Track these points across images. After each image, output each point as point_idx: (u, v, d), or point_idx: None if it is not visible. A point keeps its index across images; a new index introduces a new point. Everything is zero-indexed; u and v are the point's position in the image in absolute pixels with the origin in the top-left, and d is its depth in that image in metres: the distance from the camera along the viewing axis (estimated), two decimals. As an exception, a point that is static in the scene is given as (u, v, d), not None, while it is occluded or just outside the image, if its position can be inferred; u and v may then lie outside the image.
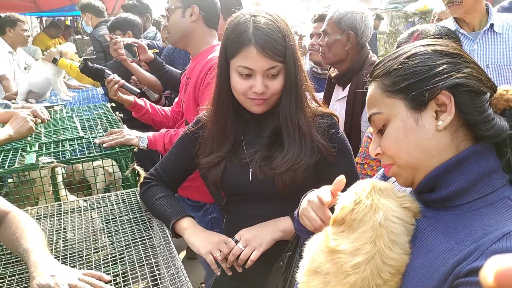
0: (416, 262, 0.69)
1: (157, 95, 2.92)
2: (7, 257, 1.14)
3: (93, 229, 1.30)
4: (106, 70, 2.04)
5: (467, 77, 0.70)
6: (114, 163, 1.75)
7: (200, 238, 1.20)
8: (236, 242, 1.16)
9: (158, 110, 2.08)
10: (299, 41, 3.97)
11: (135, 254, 1.14)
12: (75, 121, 2.08)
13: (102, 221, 1.34)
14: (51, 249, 1.16)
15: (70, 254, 1.16)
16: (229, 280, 1.35)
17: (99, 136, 1.77)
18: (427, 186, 0.74)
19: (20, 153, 1.62)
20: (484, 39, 2.07)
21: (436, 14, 3.75)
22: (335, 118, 1.24)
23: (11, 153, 1.62)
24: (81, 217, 1.37)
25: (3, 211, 1.13)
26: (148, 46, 2.82)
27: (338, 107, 2.12)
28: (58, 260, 1.04)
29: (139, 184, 1.45)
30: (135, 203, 1.44)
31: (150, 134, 1.75)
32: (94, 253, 1.18)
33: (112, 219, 1.34)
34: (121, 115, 2.18)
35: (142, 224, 1.31)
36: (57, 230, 1.29)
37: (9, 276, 1.06)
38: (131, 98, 1.99)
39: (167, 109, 2.14)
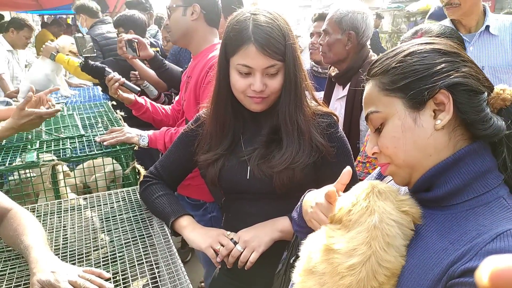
0: (411, 262, 0.69)
1: (156, 92, 2.92)
2: (7, 254, 1.14)
3: (93, 227, 1.30)
4: (107, 69, 2.05)
5: (465, 76, 0.69)
6: (114, 161, 1.75)
7: (199, 234, 1.20)
8: (235, 243, 1.16)
9: (159, 109, 2.08)
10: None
11: (134, 252, 1.14)
12: (76, 119, 2.09)
13: (102, 219, 1.34)
14: (51, 247, 1.16)
15: (70, 251, 1.17)
16: (228, 279, 1.35)
17: (100, 134, 1.77)
18: (423, 186, 0.74)
19: (21, 151, 1.62)
20: (479, 41, 2.07)
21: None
22: (335, 118, 1.24)
23: (11, 151, 1.63)
24: (81, 215, 1.38)
25: (4, 208, 1.13)
26: (151, 44, 2.82)
27: (338, 106, 2.12)
28: (58, 257, 1.04)
29: (139, 182, 1.45)
30: (135, 201, 1.45)
31: (151, 132, 1.75)
32: (94, 251, 1.18)
33: (112, 217, 1.34)
34: (122, 113, 2.18)
35: (142, 222, 1.31)
36: (57, 228, 1.29)
37: (9, 273, 1.06)
38: (132, 96, 1.99)
39: (167, 107, 2.14)
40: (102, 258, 1.13)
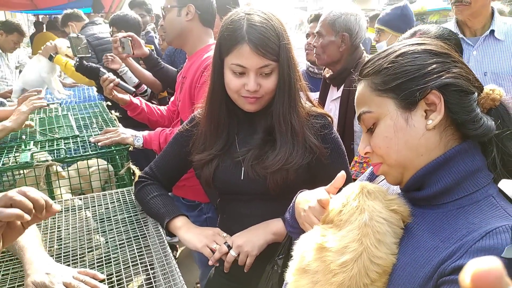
0: (402, 260, 0.69)
1: (136, 81, 2.74)
2: (1, 255, 1.13)
3: (88, 228, 1.30)
4: (101, 69, 2.04)
5: (456, 77, 0.70)
6: (104, 162, 1.74)
7: (194, 234, 1.21)
8: (229, 247, 1.17)
9: (154, 109, 2.08)
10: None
11: (129, 253, 1.14)
12: (71, 119, 2.08)
13: (97, 220, 1.34)
14: (46, 248, 1.16)
15: (64, 253, 1.16)
16: (223, 280, 1.35)
17: (95, 135, 1.77)
18: (415, 185, 0.75)
19: (15, 152, 1.62)
20: (484, 45, 1.98)
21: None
22: (329, 119, 1.24)
23: (5, 151, 1.62)
24: (76, 215, 1.37)
25: None
26: (149, 41, 2.78)
27: (332, 107, 2.13)
28: (53, 258, 1.04)
29: (134, 183, 1.45)
30: (129, 202, 1.44)
31: (146, 133, 1.75)
32: (88, 252, 1.18)
33: (106, 218, 1.34)
34: (117, 114, 2.17)
35: (136, 223, 1.31)
36: (51, 229, 1.28)
37: (2, 274, 1.06)
38: (127, 96, 1.99)
39: (162, 108, 2.14)
40: (97, 259, 1.13)
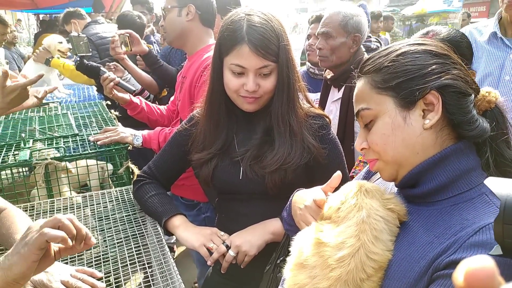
0: (398, 255, 0.71)
1: (139, 87, 2.69)
2: (0, 253, 1.13)
3: (86, 226, 1.30)
4: (102, 68, 2.04)
5: (455, 78, 0.72)
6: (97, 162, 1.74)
7: (192, 233, 1.21)
8: (227, 247, 1.17)
9: (154, 109, 2.09)
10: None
11: (127, 252, 1.14)
12: (70, 118, 2.08)
13: (95, 219, 1.34)
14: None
15: (62, 250, 1.16)
16: (221, 279, 1.35)
17: (94, 134, 1.77)
18: (409, 182, 0.76)
19: (14, 150, 1.62)
20: None
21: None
22: (327, 120, 1.25)
23: (4, 149, 1.62)
24: (74, 214, 1.37)
25: None
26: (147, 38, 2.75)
27: (333, 108, 2.12)
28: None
29: (132, 182, 1.45)
30: (128, 201, 1.45)
31: (145, 132, 1.75)
32: (86, 250, 1.18)
33: (105, 216, 1.34)
34: (116, 113, 2.17)
35: (135, 222, 1.31)
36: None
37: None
38: (127, 96, 1.99)
39: (162, 107, 2.14)
40: (95, 257, 1.13)
